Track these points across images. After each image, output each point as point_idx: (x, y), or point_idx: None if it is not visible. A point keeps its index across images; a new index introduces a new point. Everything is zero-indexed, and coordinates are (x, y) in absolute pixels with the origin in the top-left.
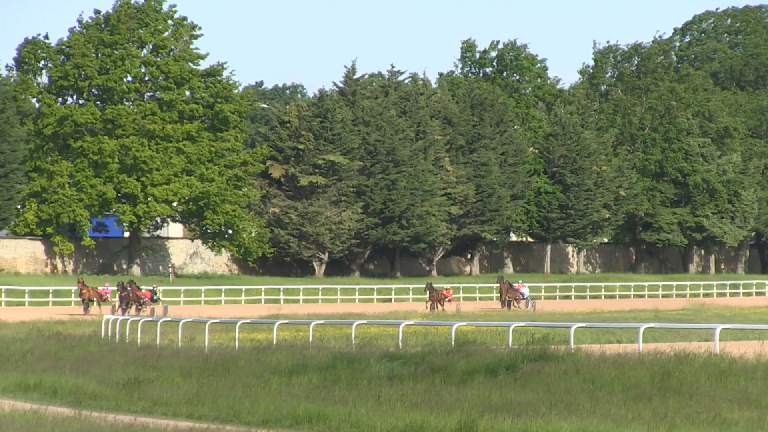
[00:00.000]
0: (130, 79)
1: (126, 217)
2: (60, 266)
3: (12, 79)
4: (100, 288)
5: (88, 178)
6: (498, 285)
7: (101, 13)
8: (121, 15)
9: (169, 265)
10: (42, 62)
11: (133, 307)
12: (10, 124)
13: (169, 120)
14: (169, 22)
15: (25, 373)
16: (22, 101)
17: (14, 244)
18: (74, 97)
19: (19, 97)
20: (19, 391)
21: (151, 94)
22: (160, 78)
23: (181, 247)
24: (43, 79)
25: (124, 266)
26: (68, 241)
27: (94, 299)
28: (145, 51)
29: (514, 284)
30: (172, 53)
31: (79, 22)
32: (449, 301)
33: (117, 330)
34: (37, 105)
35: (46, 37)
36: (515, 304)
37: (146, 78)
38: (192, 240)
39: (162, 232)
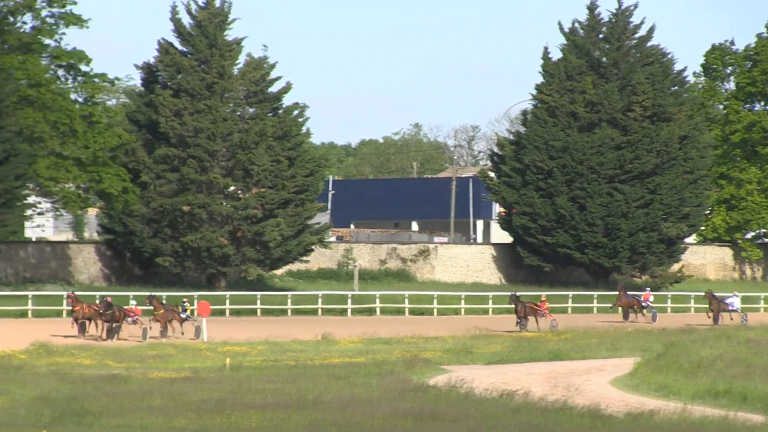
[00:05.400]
0: None
1: None
2: (749, 273)
3: (699, 86)
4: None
5: None
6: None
7: None
8: None
9: None
10: (728, 68)
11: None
12: (699, 131)
13: None
14: None
15: (715, 379)
16: (710, 108)
17: (703, 250)
18: (762, 103)
19: (707, 103)
20: (709, 397)
21: None
22: None
23: None
24: (730, 85)
25: None
26: (757, 247)
27: (90, 318)
28: None
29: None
30: None
31: (767, 27)
32: (542, 315)
33: None
34: (723, 111)
35: (732, 42)
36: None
37: None
38: None
39: None
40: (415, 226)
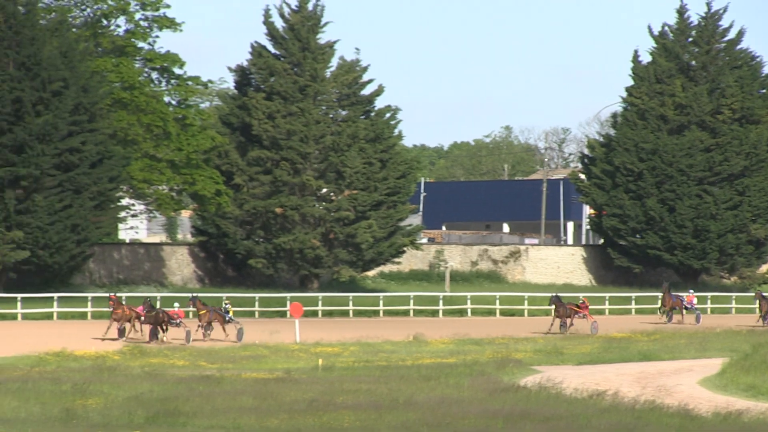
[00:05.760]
0: None
1: None
2: None
3: None
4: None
5: None
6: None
7: None
8: None
9: None
10: None
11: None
12: None
13: None
14: None
15: None
16: None
17: None
18: None
19: None
20: None
21: None
22: None
23: None
24: None
25: None
26: None
27: (130, 320)
28: None
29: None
30: None
31: None
32: (583, 317)
33: None
34: None
35: None
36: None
37: None
38: None
39: None
40: (506, 227)
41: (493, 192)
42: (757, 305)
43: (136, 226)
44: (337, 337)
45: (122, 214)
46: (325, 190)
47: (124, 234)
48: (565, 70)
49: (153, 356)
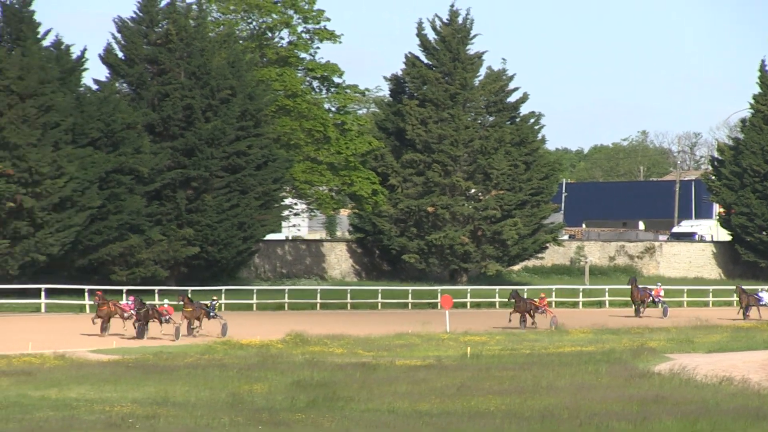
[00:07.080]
0: None
1: None
2: None
3: None
4: (122, 303)
5: None
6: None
7: None
8: None
9: None
10: None
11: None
12: None
13: None
14: None
15: None
16: None
17: None
18: None
19: None
20: None
21: None
22: None
23: None
24: None
25: None
26: None
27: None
28: None
29: (649, 287)
30: None
31: None
32: (542, 312)
33: None
34: None
35: None
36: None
37: None
38: None
39: None
40: (641, 225)
41: (629, 192)
42: (737, 299)
43: (298, 224)
44: (484, 326)
45: (285, 212)
46: (473, 190)
47: (287, 231)
48: (698, 78)
49: (313, 344)
